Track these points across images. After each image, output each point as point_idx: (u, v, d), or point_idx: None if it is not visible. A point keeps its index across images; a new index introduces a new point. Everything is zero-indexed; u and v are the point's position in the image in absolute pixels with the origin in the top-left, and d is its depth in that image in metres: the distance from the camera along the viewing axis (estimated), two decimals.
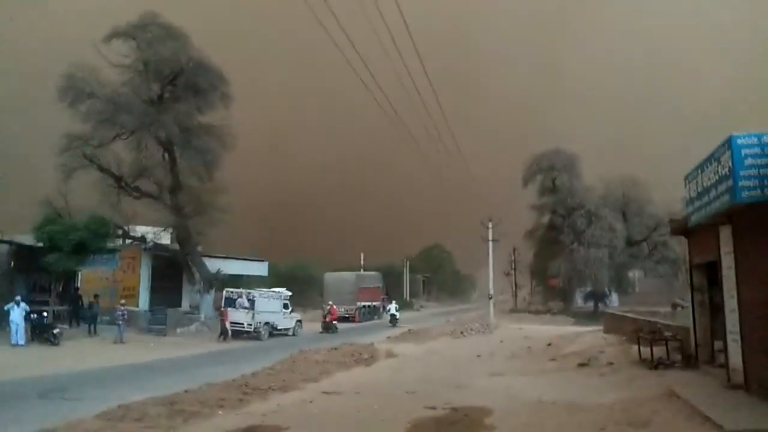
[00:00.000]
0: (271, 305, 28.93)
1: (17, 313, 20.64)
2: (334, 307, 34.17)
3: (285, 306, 30.15)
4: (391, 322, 37.37)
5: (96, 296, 26.72)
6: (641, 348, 14.67)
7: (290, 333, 29.77)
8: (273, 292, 30.52)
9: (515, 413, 10.14)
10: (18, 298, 21.24)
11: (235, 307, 27.27)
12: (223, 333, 26.26)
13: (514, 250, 62.43)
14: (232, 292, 28.23)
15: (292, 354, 18.50)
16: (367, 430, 8.92)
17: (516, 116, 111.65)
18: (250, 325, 27.07)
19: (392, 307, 39.69)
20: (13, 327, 20.51)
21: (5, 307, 20.74)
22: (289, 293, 31.65)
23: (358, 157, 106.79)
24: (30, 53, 59.37)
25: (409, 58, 18.06)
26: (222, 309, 26.97)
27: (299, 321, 31.28)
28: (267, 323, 28.12)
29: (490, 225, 38.65)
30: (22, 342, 20.50)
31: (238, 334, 26.97)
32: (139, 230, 31.16)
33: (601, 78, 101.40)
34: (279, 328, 29.21)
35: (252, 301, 27.42)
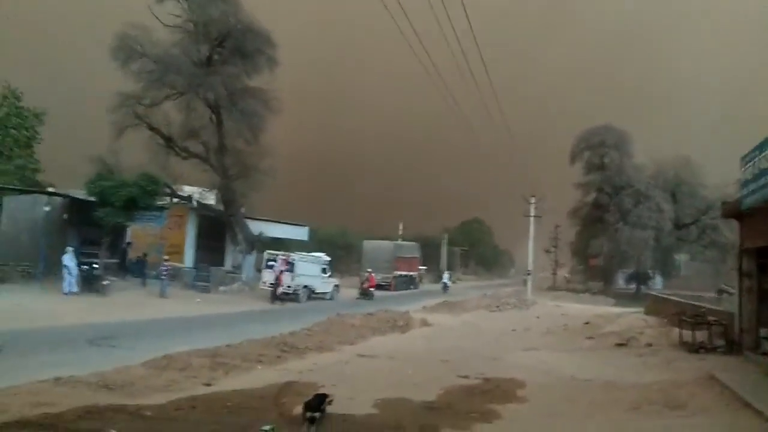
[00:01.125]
0: (310, 269, 29.48)
1: (72, 264, 21.67)
2: (372, 274, 34.56)
3: (324, 270, 30.67)
4: (443, 289, 42.54)
5: (145, 255, 28.13)
6: (683, 331, 14.36)
7: (328, 297, 30.34)
8: (313, 256, 31.01)
9: (548, 387, 10.13)
10: (71, 248, 22.24)
11: (274, 269, 27.95)
12: (279, 297, 26.94)
13: (557, 227, 61.56)
14: (272, 254, 28.88)
15: (330, 317, 18.86)
16: (400, 392, 9.06)
17: (566, 92, 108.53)
18: (290, 287, 27.70)
19: (446, 275, 47.14)
20: (67, 276, 21.55)
21: (63, 258, 21.70)
22: (328, 258, 32.11)
23: (404, 128, 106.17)
24: (85, 12, 60.75)
25: (459, 26, 17.64)
26: (278, 274, 27.46)
27: (337, 286, 31.80)
28: (306, 286, 28.69)
29: (533, 200, 38.14)
30: (75, 290, 21.54)
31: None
32: (186, 190, 31.95)
33: (656, 58, 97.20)
34: (317, 291, 29.81)
35: (292, 264, 28.00)
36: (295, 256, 28.89)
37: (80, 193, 25.92)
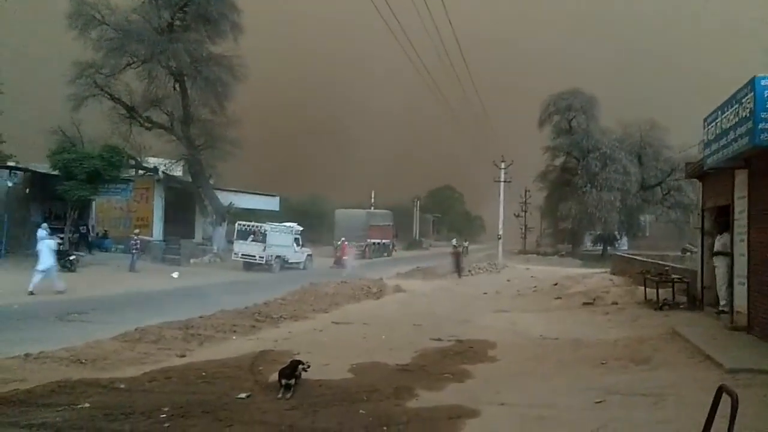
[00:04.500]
0: (282, 239, 29.41)
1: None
2: (345, 243, 34.68)
3: (296, 240, 30.64)
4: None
5: (105, 231, 27.67)
6: (647, 289, 14.82)
7: (301, 267, 30.42)
8: (284, 226, 30.88)
9: (518, 347, 10.40)
10: (45, 224, 21.58)
11: (246, 239, 27.91)
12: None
13: (526, 191, 62.27)
14: (243, 224, 28.71)
15: (303, 286, 18.88)
16: (374, 357, 9.19)
17: (534, 57, 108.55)
18: (262, 257, 27.65)
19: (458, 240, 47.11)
20: (44, 252, 20.72)
21: (38, 234, 20.93)
22: (300, 228, 32.02)
23: (375, 97, 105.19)
24: None
25: None
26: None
27: (310, 255, 31.86)
28: (278, 256, 28.67)
29: (503, 165, 38.48)
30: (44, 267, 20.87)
31: (250, 266, 27.72)
32: (152, 162, 31.32)
33: (624, 22, 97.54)
34: (290, 261, 29.83)
35: (264, 235, 27.89)
36: (267, 227, 28.70)
37: (42, 167, 25.19)
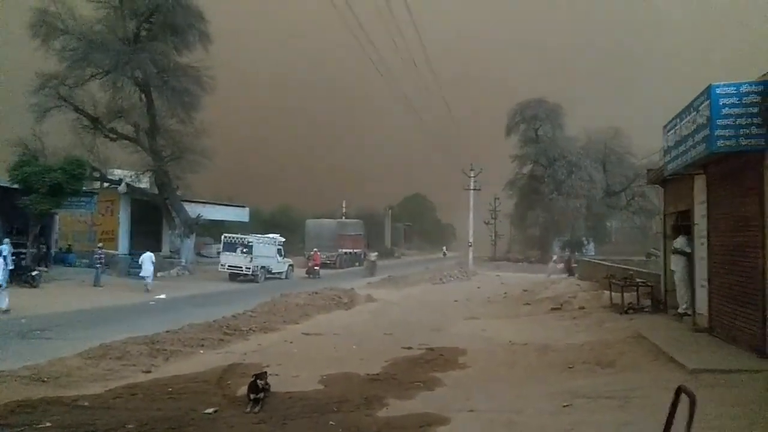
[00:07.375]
0: (266, 250, 29.94)
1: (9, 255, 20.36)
2: (317, 253, 34.64)
3: (279, 251, 31.18)
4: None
5: (69, 245, 27.04)
6: (612, 293, 15.09)
7: (283, 276, 30.99)
8: (268, 237, 31.40)
9: (488, 353, 10.49)
10: (7, 239, 20.96)
11: (233, 251, 28.52)
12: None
13: (495, 199, 63.00)
14: (230, 237, 29.23)
15: (273, 297, 18.71)
16: (345, 367, 9.16)
17: (500, 67, 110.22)
18: (248, 268, 28.21)
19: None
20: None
21: (2, 249, 20.33)
22: (283, 239, 32.58)
23: (345, 106, 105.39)
24: None
25: (395, 3, 17.66)
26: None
27: (291, 265, 32.36)
28: (263, 267, 29.25)
29: (472, 173, 38.91)
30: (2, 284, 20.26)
31: (236, 276, 28.30)
32: (117, 173, 30.71)
33: (586, 29, 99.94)
34: (273, 271, 30.39)
35: (250, 247, 28.44)
36: (253, 239, 29.27)
37: (3, 180, 24.48)
